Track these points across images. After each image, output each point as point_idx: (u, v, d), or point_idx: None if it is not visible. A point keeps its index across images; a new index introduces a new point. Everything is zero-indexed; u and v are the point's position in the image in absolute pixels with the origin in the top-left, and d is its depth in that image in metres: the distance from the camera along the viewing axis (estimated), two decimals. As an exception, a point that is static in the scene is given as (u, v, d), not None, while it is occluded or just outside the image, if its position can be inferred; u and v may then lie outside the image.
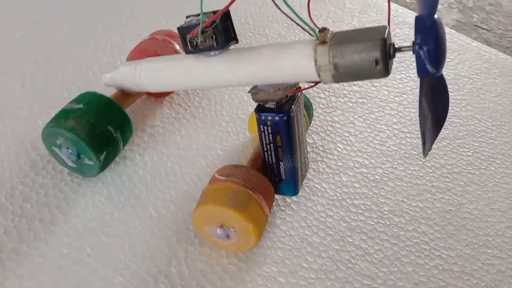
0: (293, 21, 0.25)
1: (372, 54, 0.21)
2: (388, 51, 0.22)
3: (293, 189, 0.30)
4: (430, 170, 0.36)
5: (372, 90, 0.42)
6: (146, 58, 0.30)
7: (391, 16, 0.51)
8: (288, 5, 0.25)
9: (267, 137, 0.28)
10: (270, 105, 0.27)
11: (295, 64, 0.24)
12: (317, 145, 0.36)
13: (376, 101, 0.41)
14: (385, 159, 0.36)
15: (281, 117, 0.27)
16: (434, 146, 0.37)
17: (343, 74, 0.23)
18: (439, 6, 0.65)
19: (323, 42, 0.23)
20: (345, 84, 0.42)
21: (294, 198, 0.32)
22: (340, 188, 0.33)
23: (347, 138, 0.37)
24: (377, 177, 0.34)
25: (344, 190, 0.33)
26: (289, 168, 0.29)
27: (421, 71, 0.21)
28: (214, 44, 0.25)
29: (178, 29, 0.26)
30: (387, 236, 0.31)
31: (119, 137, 0.29)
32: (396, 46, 0.22)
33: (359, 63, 0.22)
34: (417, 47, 0.20)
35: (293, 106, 0.27)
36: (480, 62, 0.49)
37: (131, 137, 0.31)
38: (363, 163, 0.35)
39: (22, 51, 0.40)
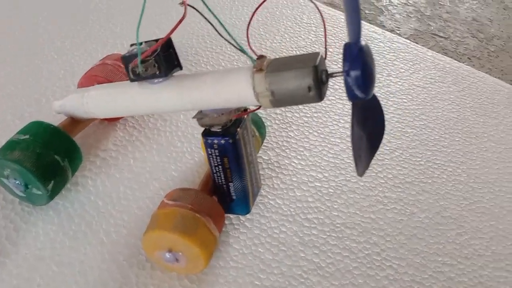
0: (236, 47, 0.25)
1: (305, 81, 0.22)
2: (320, 78, 0.22)
3: (245, 208, 0.30)
4: (383, 181, 0.36)
5: (327, 104, 0.43)
6: (94, 85, 0.31)
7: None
8: (228, 33, 0.25)
9: (215, 159, 0.28)
10: (216, 128, 0.27)
11: (235, 91, 0.24)
12: (272, 161, 0.36)
13: (331, 114, 0.42)
14: (338, 172, 0.36)
15: (227, 140, 0.27)
16: (386, 157, 0.38)
17: (280, 100, 0.23)
18: (398, 16, 0.67)
19: (260, 70, 0.23)
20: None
21: (248, 216, 0.32)
22: (294, 203, 0.34)
23: (302, 153, 0.37)
24: (330, 190, 0.35)
25: (298, 205, 0.34)
26: (239, 189, 0.29)
27: (351, 96, 0.22)
28: (157, 73, 0.26)
29: (121, 58, 0.26)
30: (339, 249, 0.31)
31: (67, 165, 0.29)
32: (329, 71, 0.23)
33: (293, 90, 0.23)
34: (345, 74, 0.21)
35: (238, 129, 0.27)
36: (434, 71, 0.50)
37: (81, 164, 0.31)
38: (317, 177, 0.36)
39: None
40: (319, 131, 0.40)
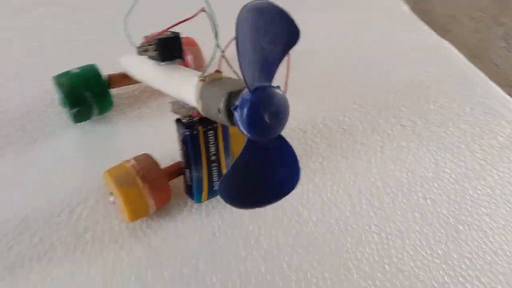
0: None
1: (216, 103, 0.25)
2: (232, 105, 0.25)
3: (197, 197, 0.35)
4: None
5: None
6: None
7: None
8: (217, 44, 0.30)
9: (179, 144, 0.33)
10: (183, 119, 0.32)
11: (186, 90, 0.29)
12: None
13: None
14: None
15: (185, 132, 0.32)
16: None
17: (205, 111, 0.27)
18: None
19: (203, 80, 0.27)
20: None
21: (197, 204, 0.36)
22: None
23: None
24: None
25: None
26: (194, 177, 0.34)
27: (240, 128, 0.24)
28: (155, 55, 0.32)
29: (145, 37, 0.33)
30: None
31: (93, 103, 0.37)
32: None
33: (210, 107, 0.26)
34: (233, 108, 0.24)
35: (200, 127, 0.32)
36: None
37: (111, 107, 0.40)
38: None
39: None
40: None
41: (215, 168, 0.34)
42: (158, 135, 0.40)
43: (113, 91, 0.42)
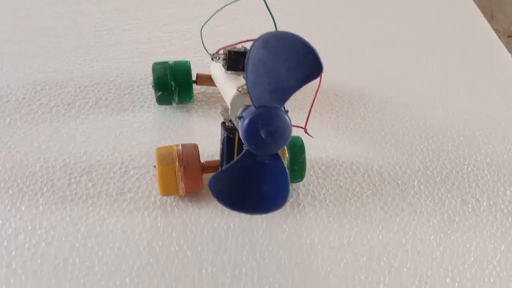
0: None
1: (237, 112, 0.28)
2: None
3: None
4: None
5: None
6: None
7: None
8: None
9: (220, 144, 0.37)
10: (227, 123, 0.36)
11: (229, 97, 0.32)
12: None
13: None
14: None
15: (224, 134, 0.35)
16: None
17: (231, 117, 0.30)
18: None
19: (239, 91, 0.31)
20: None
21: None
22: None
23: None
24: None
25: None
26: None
27: (240, 137, 0.27)
28: (222, 64, 0.36)
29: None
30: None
31: (175, 92, 0.44)
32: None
33: (233, 114, 0.29)
34: (237, 117, 0.26)
35: (237, 133, 0.35)
36: None
37: (190, 100, 0.45)
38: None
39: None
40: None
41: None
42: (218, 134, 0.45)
43: (200, 88, 0.48)
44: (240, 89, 0.31)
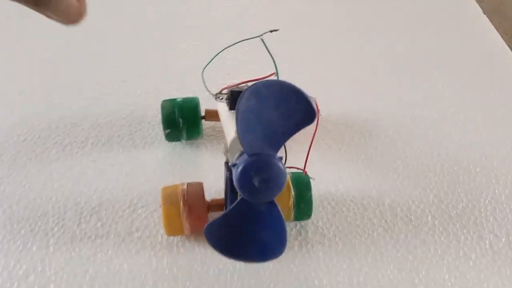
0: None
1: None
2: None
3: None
4: None
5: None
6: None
7: None
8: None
9: (223, 180, 0.37)
10: (230, 163, 0.36)
11: (229, 138, 0.32)
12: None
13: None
14: None
15: (227, 175, 0.35)
16: None
17: (230, 161, 0.30)
18: None
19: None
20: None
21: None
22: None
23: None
24: None
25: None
26: (229, 216, 0.37)
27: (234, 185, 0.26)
28: (226, 103, 0.37)
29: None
30: None
31: (183, 129, 0.44)
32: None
33: (231, 158, 0.29)
34: (231, 165, 0.26)
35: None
36: None
37: (198, 136, 0.46)
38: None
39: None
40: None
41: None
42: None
43: (210, 123, 0.49)
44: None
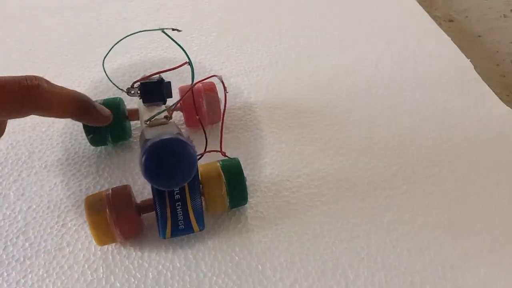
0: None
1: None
2: None
3: (162, 232, 0.36)
4: None
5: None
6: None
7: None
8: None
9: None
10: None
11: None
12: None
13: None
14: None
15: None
16: None
17: None
18: None
19: (148, 124, 0.30)
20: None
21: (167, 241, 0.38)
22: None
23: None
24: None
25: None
26: (159, 214, 0.35)
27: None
28: (138, 97, 0.35)
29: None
30: None
31: (107, 132, 0.42)
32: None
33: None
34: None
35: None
36: None
37: (126, 139, 0.44)
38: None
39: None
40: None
41: (179, 207, 0.35)
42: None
43: (136, 123, 0.47)
44: (147, 122, 0.30)
